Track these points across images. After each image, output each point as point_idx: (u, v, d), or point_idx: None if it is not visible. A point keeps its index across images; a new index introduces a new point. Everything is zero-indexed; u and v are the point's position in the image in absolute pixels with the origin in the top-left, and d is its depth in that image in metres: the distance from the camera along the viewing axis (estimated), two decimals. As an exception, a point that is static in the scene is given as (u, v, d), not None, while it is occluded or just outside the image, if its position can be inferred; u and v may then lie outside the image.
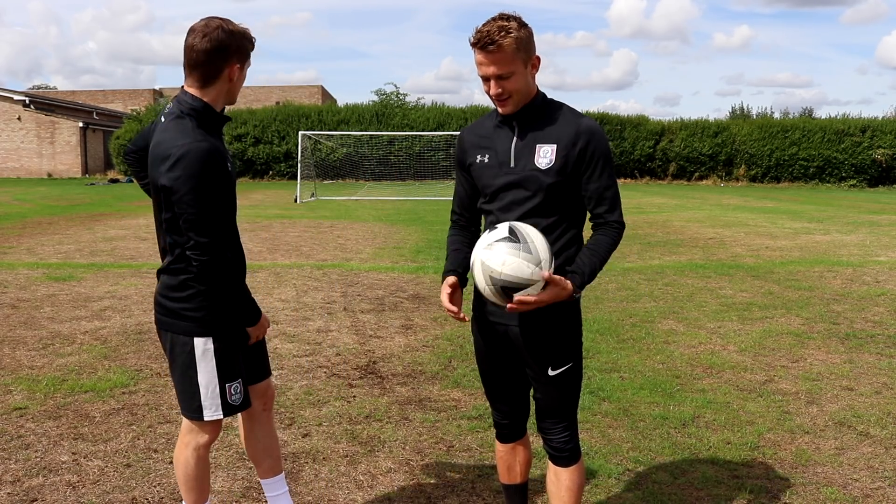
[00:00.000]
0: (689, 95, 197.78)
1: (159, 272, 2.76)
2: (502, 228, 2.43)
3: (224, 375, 2.72)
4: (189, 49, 2.58)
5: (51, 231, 14.16)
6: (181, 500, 3.23)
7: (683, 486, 3.59)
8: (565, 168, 2.51)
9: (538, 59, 2.54)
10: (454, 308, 2.54)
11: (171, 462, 3.76)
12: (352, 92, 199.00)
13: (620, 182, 36.88)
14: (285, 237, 13.60)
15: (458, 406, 4.68)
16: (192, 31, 2.59)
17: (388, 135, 36.29)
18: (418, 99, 46.95)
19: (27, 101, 41.68)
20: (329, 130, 36.83)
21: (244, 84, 2.81)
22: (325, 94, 55.11)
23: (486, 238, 2.45)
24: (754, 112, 57.34)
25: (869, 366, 5.59)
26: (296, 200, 23.28)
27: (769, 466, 3.82)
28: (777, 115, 48.04)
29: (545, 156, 2.52)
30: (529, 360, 2.67)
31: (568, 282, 2.43)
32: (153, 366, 5.44)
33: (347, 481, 3.64)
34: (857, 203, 24.65)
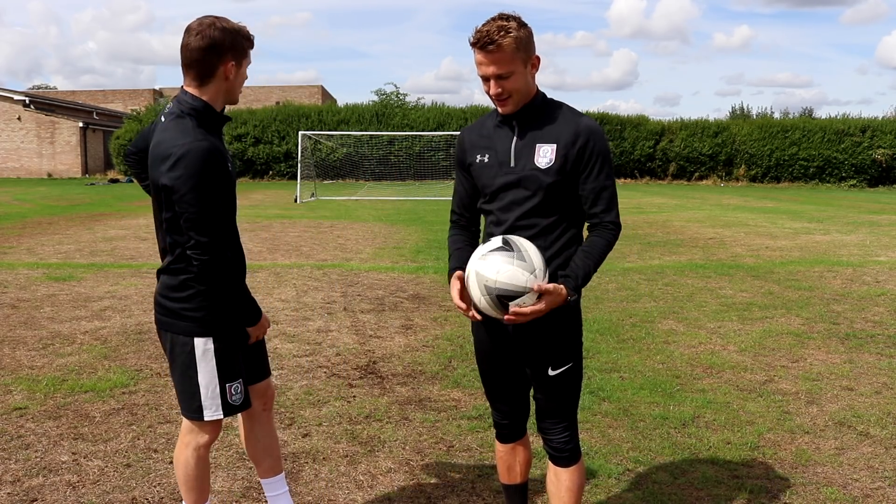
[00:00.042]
0: (689, 95, 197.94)
1: (159, 272, 2.76)
2: (496, 240, 2.46)
3: (224, 375, 2.72)
4: (184, 48, 2.59)
5: (51, 231, 14.16)
6: (181, 500, 3.23)
7: (683, 486, 3.59)
8: (565, 167, 2.51)
9: (538, 58, 2.54)
10: (464, 304, 2.53)
11: (171, 462, 3.76)
12: (352, 92, 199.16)
13: (620, 182, 37.07)
14: (285, 237, 13.60)
15: (458, 406, 4.68)
16: (187, 30, 2.60)
17: (388, 135, 36.29)
18: (418, 99, 47.02)
19: (27, 101, 41.69)
20: (329, 130, 36.83)
21: (245, 84, 2.80)
22: (325, 94, 55.12)
23: (479, 251, 2.48)
24: (754, 112, 57.39)
25: (869, 366, 5.59)
26: (296, 200, 23.28)
27: (769, 466, 3.82)
28: (777, 115, 48.12)
29: (545, 155, 2.53)
30: (529, 360, 2.67)
31: (562, 287, 2.43)
32: (153, 366, 5.44)
33: (347, 481, 3.64)
34: (857, 203, 24.65)
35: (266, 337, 3.02)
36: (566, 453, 2.72)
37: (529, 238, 2.55)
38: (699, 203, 23.77)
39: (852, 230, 15.30)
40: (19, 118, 41.27)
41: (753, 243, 13.03)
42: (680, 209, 21.06)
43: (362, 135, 35.88)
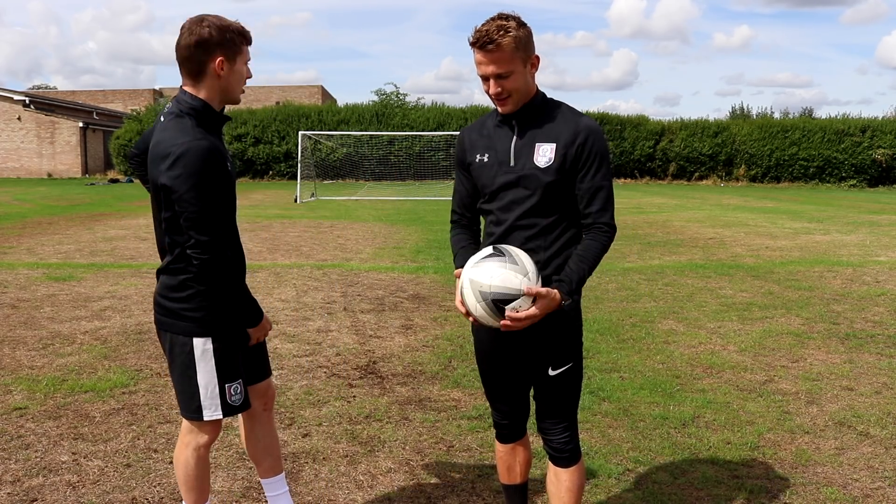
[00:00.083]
0: (689, 95, 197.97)
1: (159, 272, 2.76)
2: (486, 249, 2.50)
3: (223, 376, 2.72)
4: (176, 46, 2.61)
5: (51, 231, 14.16)
6: (181, 500, 3.23)
7: (683, 486, 3.58)
8: (564, 166, 2.51)
9: (537, 58, 2.54)
10: (464, 308, 2.53)
11: (171, 462, 3.76)
12: (352, 92, 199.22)
13: (620, 182, 37.08)
14: (285, 237, 13.60)
15: (458, 406, 4.68)
16: (181, 28, 2.61)
17: (388, 135, 36.29)
18: (418, 99, 47.05)
19: (27, 101, 41.69)
20: (329, 130, 36.83)
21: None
22: (325, 94, 55.11)
23: (471, 260, 2.50)
24: (754, 112, 57.36)
25: (869, 366, 5.58)
26: (296, 200, 23.28)
27: (769, 466, 3.82)
28: (777, 115, 48.09)
29: (544, 154, 2.53)
30: (529, 361, 2.67)
31: (555, 291, 2.43)
32: (153, 366, 5.44)
33: (347, 481, 3.64)
34: (857, 203, 24.65)
35: (266, 337, 3.01)
36: (566, 453, 2.71)
37: (529, 238, 2.56)
38: (699, 203, 23.77)
39: (852, 230, 15.30)
40: (19, 118, 41.27)
41: (753, 243, 13.03)
42: (680, 209, 21.06)
43: (362, 135, 35.88)
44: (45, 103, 43.78)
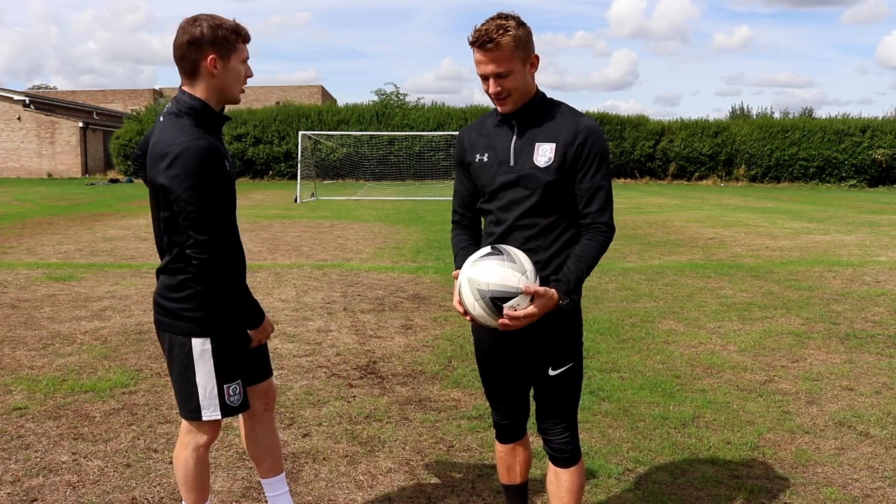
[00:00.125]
0: (689, 95, 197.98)
1: (158, 272, 2.76)
2: (484, 249, 2.51)
3: (222, 376, 2.71)
4: (172, 46, 2.61)
5: (51, 231, 14.16)
6: (181, 500, 3.23)
7: (683, 486, 3.58)
8: (563, 166, 2.51)
9: (537, 57, 2.54)
10: (462, 308, 2.53)
11: (171, 462, 3.76)
12: (352, 92, 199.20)
13: (620, 182, 37.09)
14: (285, 237, 13.60)
15: (458, 406, 4.68)
16: (177, 28, 2.62)
17: (388, 135, 36.30)
18: (418, 99, 47.05)
19: (27, 101, 41.69)
20: (329, 130, 36.83)
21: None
22: (325, 94, 55.11)
23: (469, 259, 2.51)
24: (754, 112, 57.38)
25: (869, 366, 5.58)
26: (296, 200, 23.28)
27: (769, 466, 3.82)
28: (777, 115, 48.11)
29: (544, 154, 2.53)
30: (530, 361, 2.67)
31: (552, 291, 2.43)
32: (153, 366, 5.44)
33: (347, 481, 3.64)
34: (857, 203, 24.65)
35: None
36: (566, 454, 2.71)
37: (529, 237, 2.56)
38: (699, 203, 23.77)
39: (852, 230, 15.30)
40: (19, 118, 41.27)
41: (753, 243, 13.03)
42: (680, 209, 21.06)
43: (362, 135, 35.88)
44: (45, 103, 43.79)
